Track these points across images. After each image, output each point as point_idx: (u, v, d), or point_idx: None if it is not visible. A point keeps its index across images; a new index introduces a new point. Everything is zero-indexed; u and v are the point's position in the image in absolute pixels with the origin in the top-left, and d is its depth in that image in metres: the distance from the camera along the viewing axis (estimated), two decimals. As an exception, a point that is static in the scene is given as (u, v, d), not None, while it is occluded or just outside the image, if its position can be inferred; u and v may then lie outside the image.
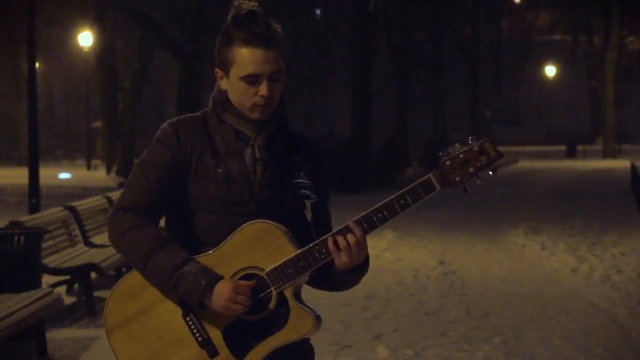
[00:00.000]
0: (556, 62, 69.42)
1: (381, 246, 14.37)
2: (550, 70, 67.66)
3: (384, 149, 31.88)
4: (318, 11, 55.80)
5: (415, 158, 37.60)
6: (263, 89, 3.17)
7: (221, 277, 3.12)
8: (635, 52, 60.58)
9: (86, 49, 38.95)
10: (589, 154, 54.08)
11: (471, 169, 3.09)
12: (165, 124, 3.28)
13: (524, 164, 45.70)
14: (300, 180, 3.25)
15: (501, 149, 3.15)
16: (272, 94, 3.19)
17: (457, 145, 3.11)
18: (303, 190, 3.24)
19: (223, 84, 3.25)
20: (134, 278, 3.22)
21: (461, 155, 3.10)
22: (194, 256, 3.17)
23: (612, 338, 8.56)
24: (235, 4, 3.21)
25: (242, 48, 3.16)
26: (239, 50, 3.17)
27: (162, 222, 3.38)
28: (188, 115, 3.32)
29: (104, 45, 36.46)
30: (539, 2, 75.08)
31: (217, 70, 3.26)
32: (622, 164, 40.40)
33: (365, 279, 3.32)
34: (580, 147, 55.45)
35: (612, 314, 9.58)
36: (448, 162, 3.10)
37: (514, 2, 73.76)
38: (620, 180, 30.07)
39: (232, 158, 3.21)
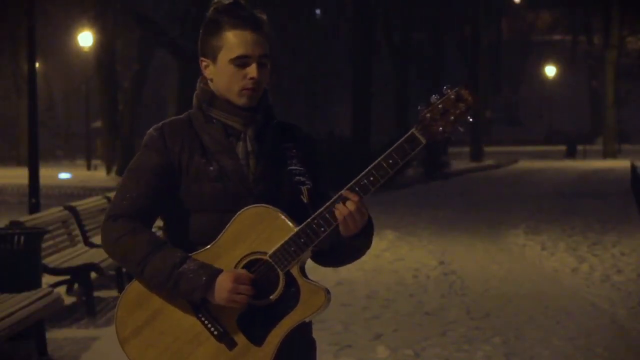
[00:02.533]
0: (556, 62, 69.47)
1: (381, 246, 14.37)
2: (550, 70, 67.70)
3: (384, 149, 31.88)
4: (318, 11, 55.80)
5: (416, 158, 37.63)
6: (253, 71, 3.19)
7: (221, 271, 3.11)
8: (635, 52, 60.62)
9: (86, 49, 38.97)
10: (589, 154, 54.11)
11: (452, 117, 3.10)
12: (152, 129, 3.28)
13: (524, 164, 45.72)
14: (293, 168, 3.26)
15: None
16: (260, 78, 3.21)
17: (434, 96, 3.12)
18: (297, 177, 3.25)
19: (208, 72, 3.25)
20: (138, 287, 3.20)
21: (440, 106, 3.10)
22: (194, 253, 3.17)
23: (612, 338, 8.56)
24: (216, 0, 3.26)
25: (231, 31, 3.19)
26: (228, 34, 3.19)
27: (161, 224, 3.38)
28: (173, 118, 3.32)
29: (104, 45, 36.47)
30: (539, 2, 75.15)
31: (202, 59, 3.26)
32: (622, 164, 40.42)
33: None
34: (580, 147, 55.50)
35: (612, 314, 9.58)
36: (428, 115, 3.11)
37: (514, 2, 73.82)
38: (620, 180, 30.08)
39: (223, 155, 3.21)
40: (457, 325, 9.02)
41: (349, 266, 12.89)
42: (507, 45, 75.68)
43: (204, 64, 3.26)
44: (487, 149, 53.82)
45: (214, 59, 3.23)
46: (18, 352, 7.90)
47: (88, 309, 9.51)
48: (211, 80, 3.26)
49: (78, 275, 9.85)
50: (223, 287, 3.08)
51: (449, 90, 3.11)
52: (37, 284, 8.35)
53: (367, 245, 3.27)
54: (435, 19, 47.25)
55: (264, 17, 3.24)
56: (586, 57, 72.91)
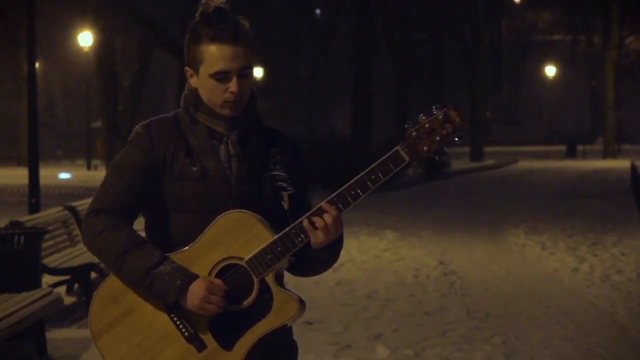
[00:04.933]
0: (556, 62, 69.48)
1: (381, 246, 14.34)
2: (550, 70, 67.71)
3: (384, 149, 31.90)
4: (318, 11, 55.80)
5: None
6: (233, 86, 3.18)
7: (196, 276, 3.12)
8: (635, 52, 60.63)
9: (86, 49, 39.00)
10: (589, 154, 54.11)
11: (438, 137, 3.10)
12: (138, 125, 3.28)
13: (524, 164, 45.72)
14: (276, 173, 3.26)
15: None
16: (242, 90, 3.20)
17: (422, 116, 3.12)
18: (279, 183, 3.26)
19: (193, 82, 3.26)
20: (115, 282, 3.22)
21: (427, 125, 3.10)
22: (172, 253, 3.18)
23: (612, 338, 8.56)
24: (204, 1, 3.22)
25: (210, 45, 3.17)
26: (207, 48, 3.18)
27: (143, 224, 3.38)
28: (161, 116, 3.33)
29: (104, 45, 36.47)
30: (539, 2, 75.15)
31: (186, 68, 3.26)
32: (622, 164, 40.41)
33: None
34: (580, 147, 55.50)
35: (612, 314, 9.57)
36: (414, 133, 3.11)
37: (514, 2, 73.83)
38: (620, 180, 30.08)
39: (207, 156, 3.22)
40: (457, 325, 9.02)
41: (349, 266, 12.86)
42: (507, 45, 75.70)
43: (188, 73, 3.27)
44: (487, 149, 53.81)
45: (196, 71, 3.23)
46: (18, 352, 7.90)
47: (88, 309, 9.50)
48: (196, 89, 3.26)
49: (78, 275, 9.85)
50: (195, 294, 3.10)
51: (437, 110, 3.11)
52: (37, 284, 8.34)
53: (334, 258, 3.29)
54: (435, 19, 47.25)
55: (246, 25, 3.22)
56: (586, 57, 72.92)
